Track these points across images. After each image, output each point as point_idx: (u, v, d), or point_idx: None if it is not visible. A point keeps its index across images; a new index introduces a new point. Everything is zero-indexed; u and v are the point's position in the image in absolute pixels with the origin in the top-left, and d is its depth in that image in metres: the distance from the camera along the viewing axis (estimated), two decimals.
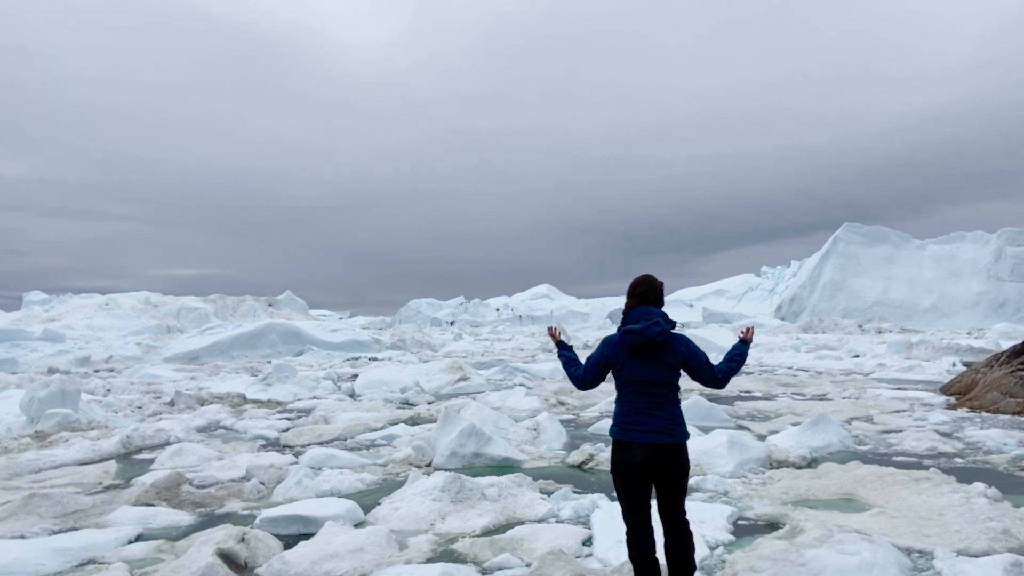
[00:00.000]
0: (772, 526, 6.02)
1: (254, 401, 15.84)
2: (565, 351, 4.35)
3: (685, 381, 4.01)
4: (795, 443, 9.09)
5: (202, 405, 14.70)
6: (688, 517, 4.00)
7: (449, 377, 19.41)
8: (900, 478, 7.03)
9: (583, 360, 4.24)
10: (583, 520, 6.15)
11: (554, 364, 23.49)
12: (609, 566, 5.01)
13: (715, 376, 3.93)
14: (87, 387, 17.15)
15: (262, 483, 7.64)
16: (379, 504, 6.76)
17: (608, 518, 5.84)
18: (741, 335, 4.23)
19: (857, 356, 29.74)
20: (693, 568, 3.96)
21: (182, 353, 32.09)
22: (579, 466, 8.57)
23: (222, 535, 5.33)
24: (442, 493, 6.61)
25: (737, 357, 4.06)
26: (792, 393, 16.90)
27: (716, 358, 4.28)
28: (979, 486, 6.51)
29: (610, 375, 4.10)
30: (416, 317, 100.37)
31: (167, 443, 10.26)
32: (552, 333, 4.58)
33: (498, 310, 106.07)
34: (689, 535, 3.96)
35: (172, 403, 14.83)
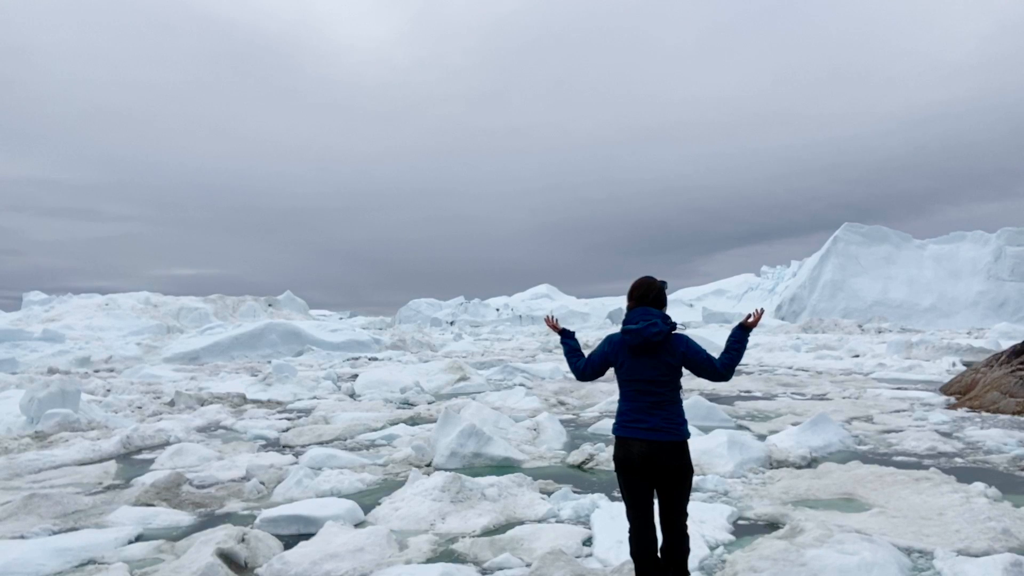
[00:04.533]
0: (772, 526, 6.02)
1: (254, 401, 15.84)
2: (568, 340, 4.37)
3: (685, 381, 4.00)
4: (795, 443, 9.09)
5: (202, 405, 14.70)
6: (688, 522, 3.95)
7: (449, 377, 19.41)
8: (900, 478, 7.03)
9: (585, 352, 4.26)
10: (583, 520, 6.15)
11: (554, 364, 23.50)
12: (609, 566, 5.01)
13: (717, 369, 3.90)
14: (87, 387, 17.14)
15: (262, 483, 7.64)
16: (379, 504, 6.76)
17: (608, 518, 5.85)
18: (743, 321, 4.06)
19: (857, 356, 29.71)
20: None
21: (182, 353, 32.09)
22: (579, 466, 8.57)
23: (222, 535, 5.33)
24: (442, 493, 6.61)
25: (735, 345, 3.97)
26: (792, 393, 16.90)
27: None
28: (979, 486, 6.52)
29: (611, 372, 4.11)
30: (416, 317, 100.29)
31: (167, 443, 10.26)
32: (551, 323, 4.58)
33: (498, 310, 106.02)
34: (685, 544, 3.91)
35: (172, 403, 14.83)
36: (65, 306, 53.10)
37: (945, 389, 16.18)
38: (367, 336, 40.71)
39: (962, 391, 14.94)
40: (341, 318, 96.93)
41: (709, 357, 3.93)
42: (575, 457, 8.80)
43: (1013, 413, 12.14)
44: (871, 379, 20.75)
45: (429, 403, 15.29)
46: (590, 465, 8.51)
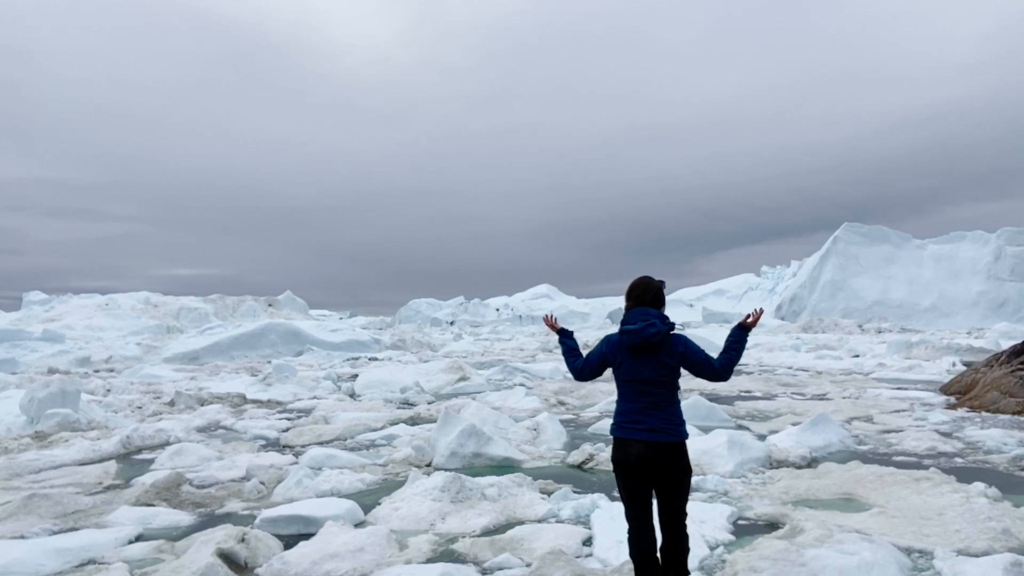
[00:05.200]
0: (772, 526, 6.02)
1: (254, 401, 15.84)
2: (566, 339, 4.38)
3: (686, 381, 3.99)
4: (795, 443, 9.09)
5: (202, 405, 14.70)
6: (688, 522, 3.94)
7: (449, 377, 19.41)
8: (900, 478, 7.04)
9: (584, 351, 4.27)
10: (583, 520, 6.15)
11: (554, 364, 23.48)
12: (609, 566, 5.01)
13: (715, 370, 3.89)
14: (87, 387, 17.12)
15: (262, 483, 7.64)
16: (379, 504, 6.76)
17: (608, 518, 5.85)
18: (742, 320, 4.04)
19: (857, 356, 29.71)
20: None
21: (182, 353, 32.08)
22: (579, 466, 8.57)
23: (222, 535, 5.33)
24: (442, 493, 6.62)
25: (734, 345, 3.96)
26: (792, 393, 16.90)
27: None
28: (979, 486, 6.52)
29: (610, 372, 4.11)
30: (416, 317, 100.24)
31: (167, 443, 10.25)
32: (550, 323, 4.58)
33: (498, 310, 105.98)
34: (685, 545, 3.90)
35: (172, 403, 14.83)
36: (65, 306, 53.09)
37: (945, 389, 16.18)
38: (367, 336, 40.71)
39: (962, 391, 14.95)
40: (341, 318, 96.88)
41: (707, 357, 3.91)
42: (575, 457, 8.80)
43: (1013, 413, 12.14)
44: (871, 379, 20.75)
45: (429, 403, 15.28)
46: (590, 465, 8.51)
